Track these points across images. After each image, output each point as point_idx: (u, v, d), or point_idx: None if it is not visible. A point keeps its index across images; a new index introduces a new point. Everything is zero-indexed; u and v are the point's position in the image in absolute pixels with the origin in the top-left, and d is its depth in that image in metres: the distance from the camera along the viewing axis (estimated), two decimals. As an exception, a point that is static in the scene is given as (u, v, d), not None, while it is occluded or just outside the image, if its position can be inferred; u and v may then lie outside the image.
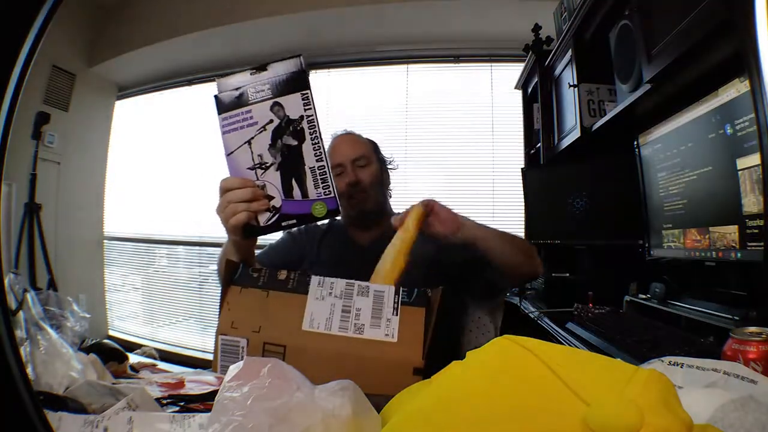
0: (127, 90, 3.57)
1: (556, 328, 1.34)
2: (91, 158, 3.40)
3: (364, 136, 1.18)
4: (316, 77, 3.15)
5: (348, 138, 1.15)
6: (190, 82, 3.36)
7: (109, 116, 3.54)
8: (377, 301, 0.65)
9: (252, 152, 0.69)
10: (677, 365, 0.48)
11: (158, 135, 3.51)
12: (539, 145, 2.33)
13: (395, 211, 1.11)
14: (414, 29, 2.77)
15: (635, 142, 1.46)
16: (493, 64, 2.90)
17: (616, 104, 1.51)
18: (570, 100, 1.89)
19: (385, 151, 1.20)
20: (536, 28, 2.28)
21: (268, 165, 0.69)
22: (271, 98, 0.68)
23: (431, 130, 2.89)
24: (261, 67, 0.69)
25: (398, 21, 2.70)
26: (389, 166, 1.19)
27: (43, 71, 2.92)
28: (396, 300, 0.66)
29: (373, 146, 1.17)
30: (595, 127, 1.70)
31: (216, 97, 0.69)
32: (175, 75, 3.36)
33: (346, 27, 2.81)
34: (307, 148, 0.69)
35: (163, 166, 3.46)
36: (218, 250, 0.91)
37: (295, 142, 0.69)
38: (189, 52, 3.09)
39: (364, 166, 1.09)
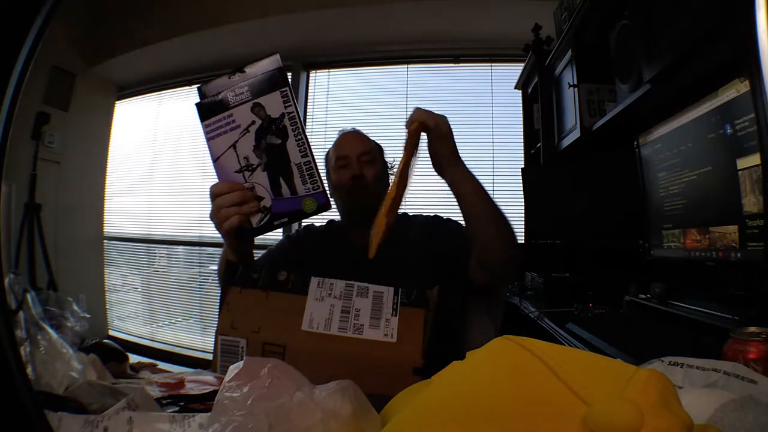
0: (127, 90, 3.58)
1: (556, 328, 1.34)
2: (91, 158, 3.40)
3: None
4: (316, 77, 3.15)
5: (355, 134, 1.15)
6: (190, 82, 3.36)
7: (109, 116, 3.54)
8: (376, 302, 0.66)
9: (238, 155, 0.70)
10: (677, 365, 0.48)
11: (158, 135, 3.51)
12: (539, 145, 2.33)
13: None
14: (414, 29, 2.77)
15: (635, 142, 1.46)
16: (493, 64, 2.90)
17: (616, 104, 1.51)
18: (570, 100, 1.89)
19: (388, 158, 1.20)
20: (536, 28, 2.28)
21: (254, 166, 0.70)
22: (250, 100, 0.69)
23: (431, 130, 2.90)
24: (239, 70, 0.69)
25: (398, 21, 2.70)
26: (390, 172, 1.19)
27: (43, 71, 2.92)
28: (395, 300, 0.66)
29: (379, 148, 1.17)
30: (595, 127, 1.70)
31: (197, 104, 0.69)
32: (175, 75, 3.36)
33: (346, 27, 2.81)
34: (291, 145, 0.69)
35: (163, 166, 3.46)
36: (218, 250, 0.92)
37: (279, 141, 0.69)
38: (189, 52, 3.09)
39: (370, 162, 1.08)
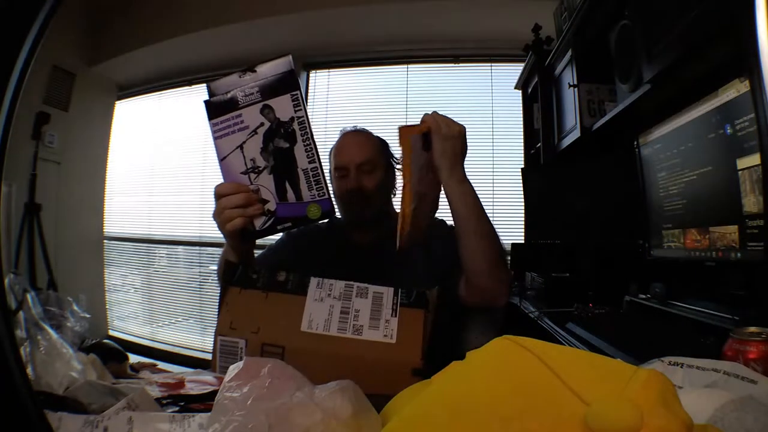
0: (127, 90, 3.57)
1: (556, 328, 1.34)
2: (91, 158, 3.40)
3: (374, 134, 1.14)
4: (316, 77, 3.15)
5: (356, 139, 1.11)
6: (190, 82, 3.36)
7: (109, 116, 3.54)
8: (376, 303, 0.65)
9: (244, 156, 0.69)
10: (677, 365, 0.48)
11: (158, 135, 3.51)
12: (539, 145, 2.33)
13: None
14: (414, 29, 2.77)
15: (635, 142, 1.46)
16: (493, 64, 2.90)
17: (616, 104, 1.51)
18: (570, 100, 1.89)
19: (395, 149, 1.14)
20: (536, 28, 2.28)
21: (261, 169, 0.69)
22: (260, 101, 0.67)
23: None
24: (249, 69, 0.68)
25: (398, 21, 2.70)
26: (397, 166, 1.13)
27: (43, 71, 2.91)
28: (395, 301, 0.66)
29: (382, 147, 1.12)
30: (595, 127, 1.70)
31: (206, 102, 0.68)
32: (175, 75, 3.36)
33: (346, 27, 2.81)
34: (299, 149, 0.68)
35: (163, 166, 3.46)
36: (218, 250, 0.91)
37: (287, 145, 0.68)
38: (189, 52, 3.09)
39: (369, 171, 1.05)
